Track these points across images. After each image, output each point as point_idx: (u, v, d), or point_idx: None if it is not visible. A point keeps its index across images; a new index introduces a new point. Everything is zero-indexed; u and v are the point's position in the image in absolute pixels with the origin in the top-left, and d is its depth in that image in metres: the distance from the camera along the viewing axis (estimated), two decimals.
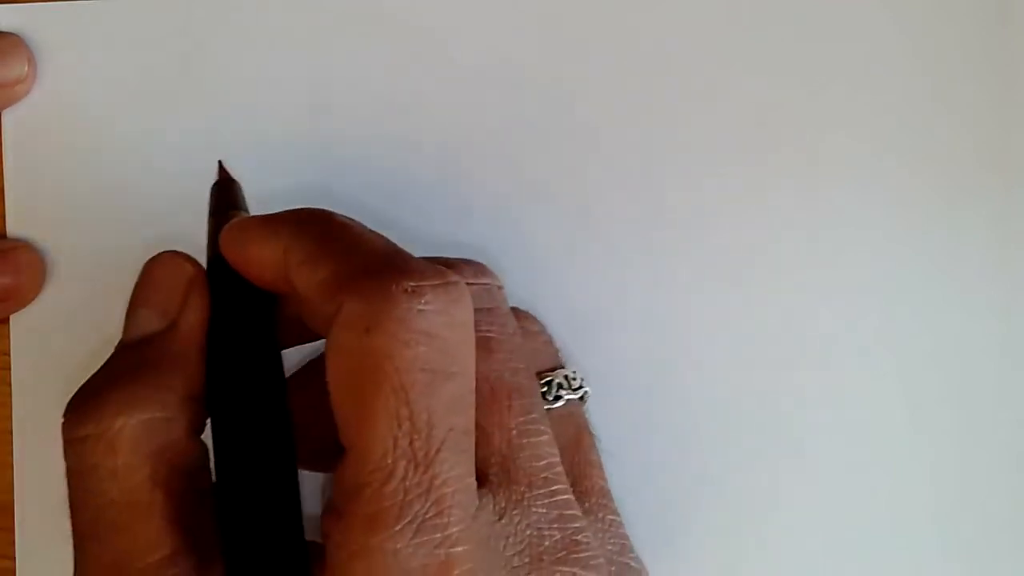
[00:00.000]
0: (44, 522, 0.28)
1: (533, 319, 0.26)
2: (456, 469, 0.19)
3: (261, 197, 0.25)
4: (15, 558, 0.28)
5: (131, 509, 0.20)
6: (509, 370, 0.22)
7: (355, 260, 0.20)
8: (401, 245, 0.22)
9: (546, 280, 0.28)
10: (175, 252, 0.23)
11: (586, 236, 0.29)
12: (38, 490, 0.28)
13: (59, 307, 0.29)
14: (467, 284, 0.21)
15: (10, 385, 0.29)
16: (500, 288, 0.24)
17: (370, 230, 0.22)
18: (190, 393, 0.22)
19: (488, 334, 0.23)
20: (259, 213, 0.23)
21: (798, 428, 0.28)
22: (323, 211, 0.22)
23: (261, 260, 0.22)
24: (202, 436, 0.22)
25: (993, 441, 0.28)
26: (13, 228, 0.29)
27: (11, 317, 0.29)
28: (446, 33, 0.29)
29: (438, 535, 0.19)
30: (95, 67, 0.29)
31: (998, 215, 0.29)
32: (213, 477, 0.22)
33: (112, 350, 0.23)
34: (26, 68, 0.28)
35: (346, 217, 0.22)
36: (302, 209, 0.22)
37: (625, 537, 0.24)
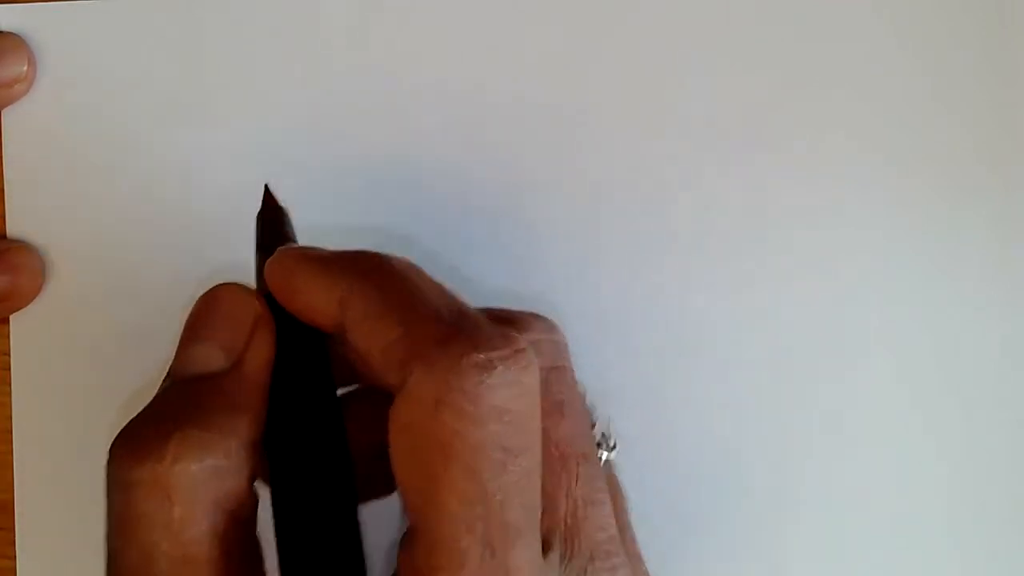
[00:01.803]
0: (44, 522, 0.28)
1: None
2: (528, 551, 0.19)
3: (259, 196, 0.25)
4: (15, 558, 0.28)
5: (185, 566, 0.19)
6: (579, 435, 0.22)
7: (422, 326, 0.19)
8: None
9: (550, 281, 0.28)
10: (239, 285, 0.22)
11: (589, 236, 0.29)
12: (38, 490, 0.28)
13: (59, 307, 0.29)
14: (536, 339, 0.21)
15: (10, 385, 0.29)
16: (566, 345, 0.23)
17: (429, 280, 0.21)
18: (254, 439, 0.20)
19: (560, 396, 0.22)
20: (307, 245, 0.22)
21: (799, 428, 0.28)
22: (381, 259, 0.21)
23: (313, 306, 0.21)
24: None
25: (994, 441, 0.28)
26: (13, 228, 0.29)
27: (11, 317, 0.29)
28: (447, 30, 0.29)
29: None
30: (95, 67, 0.29)
31: (998, 215, 0.29)
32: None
33: (157, 383, 0.21)
34: (26, 68, 0.28)
35: (404, 263, 0.21)
36: (359, 254, 0.21)
37: None
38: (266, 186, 0.24)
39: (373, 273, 0.20)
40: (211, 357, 0.21)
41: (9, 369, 0.29)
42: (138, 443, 0.19)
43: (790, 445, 0.28)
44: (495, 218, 0.27)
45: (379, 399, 0.19)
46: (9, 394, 0.29)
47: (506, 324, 0.20)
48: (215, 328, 0.21)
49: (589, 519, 0.21)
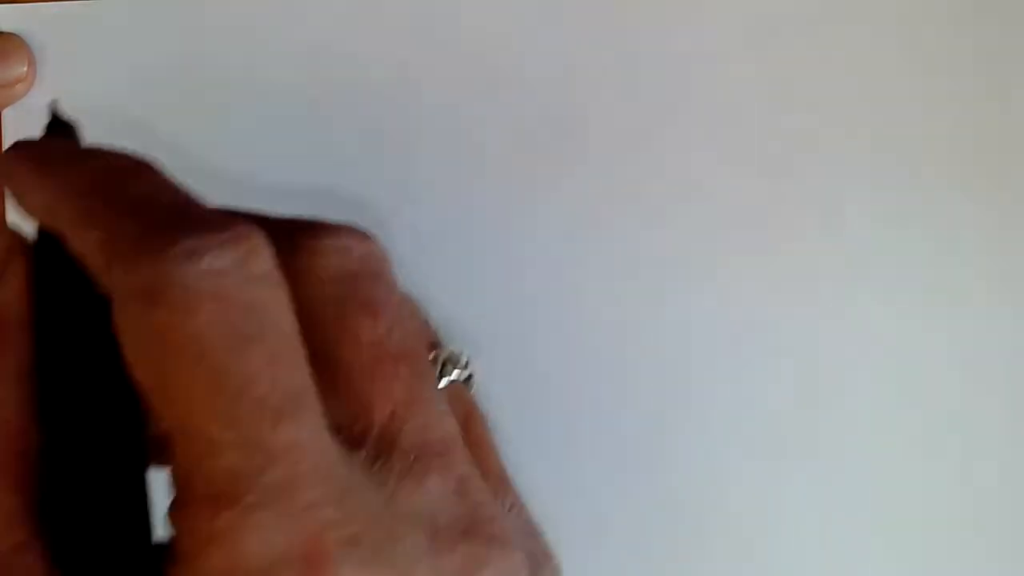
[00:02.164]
0: None
1: (411, 298, 0.24)
2: (301, 430, 0.17)
3: (259, 195, 0.25)
4: None
5: None
6: (397, 335, 0.20)
7: (127, 224, 0.18)
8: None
9: (543, 280, 0.28)
10: None
11: (586, 235, 0.29)
12: None
13: None
14: (343, 245, 0.20)
15: None
16: (385, 258, 0.22)
17: (153, 174, 0.19)
18: (19, 370, 0.19)
19: (372, 296, 0.20)
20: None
21: (799, 428, 0.28)
22: (96, 152, 0.20)
23: (31, 207, 0.19)
24: None
25: (994, 441, 0.28)
26: (14, 226, 0.29)
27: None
28: (447, 30, 0.29)
29: (298, 500, 0.17)
30: (95, 67, 0.29)
31: (998, 215, 0.29)
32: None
33: None
34: (26, 68, 0.28)
35: (127, 158, 0.20)
36: (74, 148, 0.20)
37: (532, 522, 0.22)
38: (53, 102, 0.22)
39: (79, 172, 0.19)
40: None
41: None
42: None
43: (789, 444, 0.28)
44: (494, 219, 0.27)
45: None
46: None
47: (308, 230, 0.20)
48: None
49: (415, 416, 0.20)
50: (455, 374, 0.23)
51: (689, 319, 0.28)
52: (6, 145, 0.29)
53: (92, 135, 0.29)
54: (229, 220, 0.18)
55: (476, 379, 0.24)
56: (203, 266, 0.17)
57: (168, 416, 0.17)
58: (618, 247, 0.29)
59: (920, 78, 0.29)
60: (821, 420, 0.28)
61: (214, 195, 0.28)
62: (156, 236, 0.17)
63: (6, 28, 0.29)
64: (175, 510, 0.17)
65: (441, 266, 0.28)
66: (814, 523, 0.28)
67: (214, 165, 0.29)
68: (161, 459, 0.20)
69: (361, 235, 0.21)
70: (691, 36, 0.29)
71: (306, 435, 0.17)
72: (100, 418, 0.19)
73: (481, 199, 0.27)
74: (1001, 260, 0.28)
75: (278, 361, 0.17)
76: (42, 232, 0.20)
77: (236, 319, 0.17)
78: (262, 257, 0.18)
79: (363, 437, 0.19)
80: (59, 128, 0.22)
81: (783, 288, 0.28)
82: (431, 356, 0.23)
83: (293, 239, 0.20)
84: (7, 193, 0.20)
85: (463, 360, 0.24)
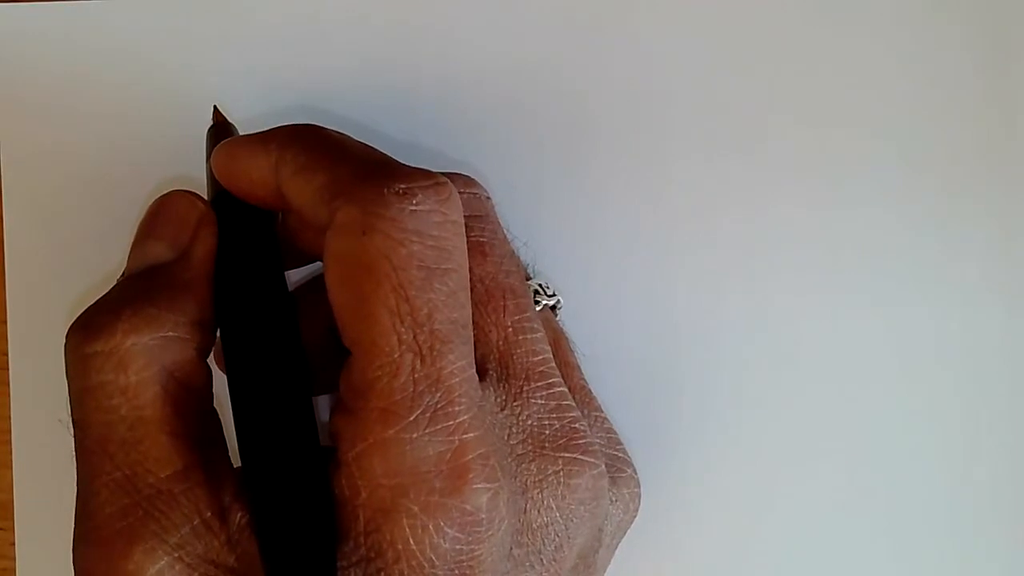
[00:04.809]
0: (44, 522, 0.28)
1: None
2: (460, 360, 0.20)
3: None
4: (15, 558, 0.28)
5: (142, 425, 0.20)
6: (503, 272, 0.23)
7: (346, 168, 0.21)
8: None
9: (548, 276, 0.28)
10: (183, 191, 0.24)
11: (586, 234, 0.29)
12: (38, 490, 0.28)
13: (59, 306, 0.29)
14: (458, 192, 0.22)
15: (9, 385, 0.29)
16: (489, 199, 0.25)
17: (359, 142, 0.22)
18: (201, 318, 0.22)
19: (481, 239, 0.23)
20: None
21: (799, 427, 0.28)
22: (311, 125, 0.23)
23: (251, 175, 0.22)
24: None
25: (995, 440, 0.28)
26: (12, 228, 0.29)
27: (11, 317, 0.29)
28: (446, 26, 0.29)
29: (451, 423, 0.19)
30: (94, 67, 0.29)
31: (999, 214, 0.28)
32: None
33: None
34: None
35: (335, 131, 0.23)
36: (288, 125, 0.23)
37: (612, 431, 0.25)
38: (215, 106, 0.26)
39: (300, 136, 0.22)
40: (160, 251, 0.23)
41: (8, 369, 0.29)
42: (92, 323, 0.21)
43: (789, 444, 0.28)
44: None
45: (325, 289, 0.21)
46: (8, 394, 0.29)
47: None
48: (163, 227, 0.23)
49: (521, 344, 0.23)
50: (543, 303, 0.26)
51: (690, 318, 0.29)
52: (5, 146, 0.29)
53: (92, 135, 0.29)
54: (430, 172, 0.21)
55: (561, 305, 0.27)
56: (412, 206, 0.20)
57: (357, 332, 0.20)
58: (619, 245, 0.29)
59: (920, 76, 0.28)
60: (821, 420, 0.28)
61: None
62: (374, 178, 0.20)
63: (6, 28, 0.29)
64: (343, 416, 0.20)
65: None
66: (814, 523, 0.28)
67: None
68: (326, 390, 0.23)
69: (466, 180, 0.24)
70: (693, 36, 0.29)
71: (463, 365, 0.20)
72: (272, 349, 0.21)
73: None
74: (1001, 260, 0.28)
75: (456, 298, 0.20)
76: (220, 204, 0.23)
77: (432, 256, 0.20)
78: (457, 205, 0.21)
79: (485, 360, 0.22)
80: (222, 126, 0.26)
81: (784, 286, 0.28)
82: (527, 285, 0.25)
83: None
84: (221, 164, 0.23)
85: (551, 290, 0.26)
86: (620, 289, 0.29)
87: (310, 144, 0.22)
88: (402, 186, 0.20)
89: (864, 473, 0.28)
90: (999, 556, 0.28)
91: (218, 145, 0.23)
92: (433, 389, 0.19)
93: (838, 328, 0.28)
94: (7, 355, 0.29)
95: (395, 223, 0.20)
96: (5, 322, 0.29)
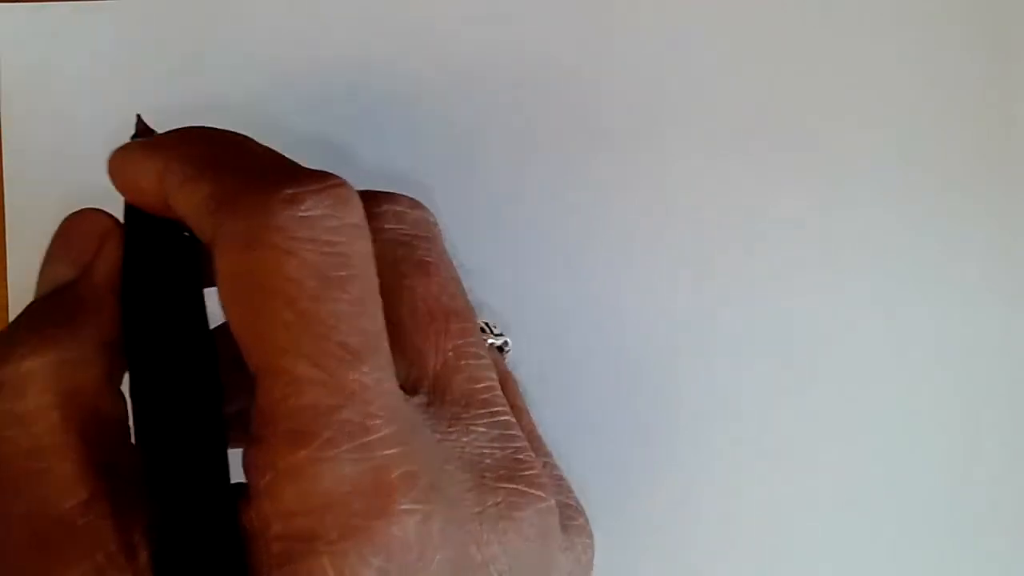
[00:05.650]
0: None
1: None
2: (376, 372, 0.18)
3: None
4: None
5: (41, 455, 0.19)
6: (447, 294, 0.22)
7: (230, 176, 0.19)
8: None
9: (542, 277, 0.28)
10: (88, 208, 0.22)
11: (586, 232, 0.29)
12: None
13: None
14: (399, 211, 0.21)
15: None
16: (436, 224, 0.23)
17: (257, 144, 0.21)
18: (103, 338, 0.20)
19: (426, 258, 0.22)
20: None
21: (798, 427, 0.28)
22: (205, 129, 0.21)
23: (139, 184, 0.21)
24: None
25: (996, 440, 0.28)
26: (13, 228, 0.29)
27: (10, 317, 0.29)
28: (448, 25, 0.29)
29: (369, 438, 0.18)
30: (95, 67, 0.29)
31: (999, 214, 0.29)
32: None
33: None
34: None
35: (232, 133, 0.21)
36: (180, 130, 0.21)
37: (563, 479, 0.23)
38: (138, 115, 0.25)
39: (186, 141, 0.21)
40: (62, 271, 0.22)
41: None
42: None
43: (789, 444, 0.28)
44: (496, 217, 0.27)
45: None
46: None
47: (365, 197, 0.20)
48: (65, 247, 0.22)
49: (462, 370, 0.21)
50: (489, 342, 0.25)
51: (688, 317, 0.29)
52: (6, 146, 0.29)
53: (92, 134, 0.29)
54: (324, 173, 0.19)
55: (508, 347, 0.26)
56: (301, 212, 0.18)
57: (257, 354, 0.18)
58: (618, 244, 0.29)
59: (920, 76, 0.29)
60: (821, 419, 0.28)
61: None
62: (258, 186, 0.19)
63: (6, 28, 0.29)
64: (254, 447, 0.18)
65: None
66: (814, 522, 0.28)
67: None
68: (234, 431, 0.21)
69: (413, 202, 0.23)
70: (692, 35, 0.29)
71: (379, 377, 0.18)
72: (182, 377, 0.20)
73: (482, 195, 0.27)
74: (1001, 260, 0.28)
75: (361, 306, 0.19)
76: (130, 217, 0.22)
77: (328, 264, 0.18)
78: (354, 207, 0.19)
79: (418, 384, 0.21)
80: (145, 134, 0.24)
81: (784, 285, 0.28)
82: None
83: None
84: (113, 171, 0.22)
85: (498, 329, 0.25)
86: (620, 289, 0.29)
87: (197, 151, 0.20)
88: (289, 191, 0.18)
89: (864, 473, 0.28)
90: (999, 556, 0.28)
91: (114, 151, 0.22)
92: (346, 404, 0.18)
93: (838, 328, 0.28)
94: None
95: (282, 232, 0.18)
96: (6, 322, 0.29)
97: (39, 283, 0.22)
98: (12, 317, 0.28)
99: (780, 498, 0.28)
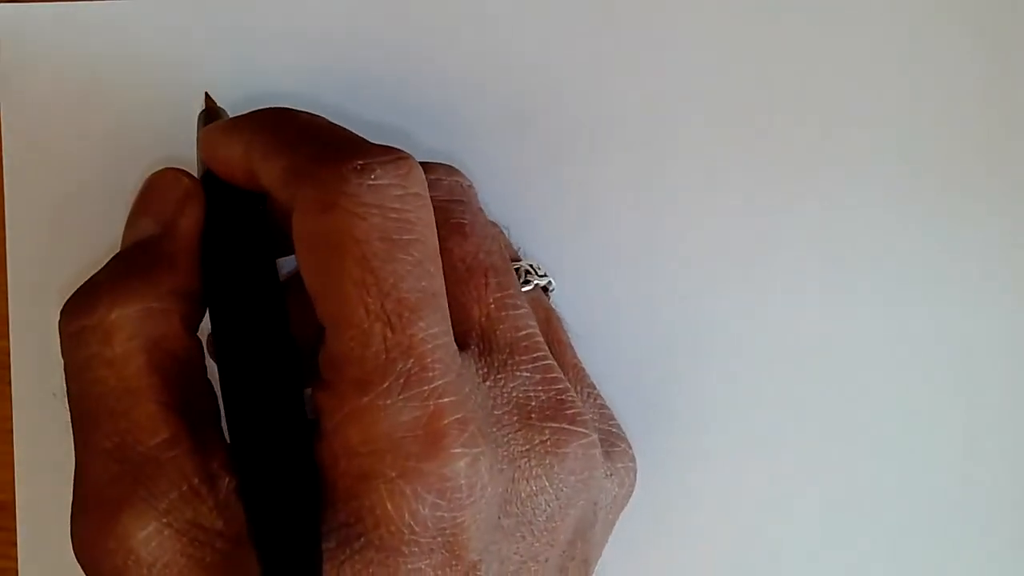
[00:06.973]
0: (44, 522, 0.28)
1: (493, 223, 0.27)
2: (433, 327, 0.20)
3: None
4: (16, 558, 0.28)
5: (129, 395, 0.21)
6: (484, 251, 0.23)
7: (306, 149, 0.21)
8: None
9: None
10: (170, 168, 0.24)
11: (586, 228, 0.29)
12: (38, 490, 0.28)
13: (59, 305, 0.29)
14: (435, 178, 0.23)
15: (10, 384, 0.29)
16: (471, 187, 0.25)
17: (328, 122, 0.23)
18: (184, 289, 0.22)
19: (462, 220, 0.24)
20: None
21: (798, 427, 0.28)
22: (281, 109, 0.23)
23: (228, 160, 0.23)
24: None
25: (997, 440, 0.28)
26: (13, 227, 0.29)
27: (11, 317, 0.29)
28: (446, 29, 0.29)
29: (425, 388, 0.20)
30: (95, 66, 0.29)
31: (999, 214, 0.28)
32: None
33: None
34: None
35: (306, 113, 0.23)
36: (261, 110, 0.23)
37: (606, 407, 0.25)
38: (206, 92, 0.27)
39: (266, 120, 0.23)
40: (146, 226, 0.24)
41: (9, 369, 0.29)
42: (77, 300, 0.22)
43: (789, 444, 0.28)
44: (496, 215, 0.27)
45: None
46: (9, 393, 0.29)
47: None
48: (149, 203, 0.24)
49: (504, 320, 0.23)
50: (534, 283, 0.26)
51: (688, 318, 0.29)
52: (6, 146, 0.29)
53: (92, 134, 0.29)
54: (391, 148, 0.21)
55: (552, 287, 0.27)
56: (370, 181, 0.20)
57: (327, 307, 0.20)
58: (618, 243, 0.29)
59: (920, 76, 0.28)
60: (821, 419, 0.28)
61: None
62: (332, 157, 0.21)
63: (6, 28, 0.29)
64: (321, 392, 0.21)
65: None
66: (813, 522, 0.28)
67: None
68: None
69: (448, 168, 0.25)
70: (692, 35, 0.29)
71: (435, 332, 0.20)
72: (261, 325, 0.22)
73: (482, 196, 0.27)
74: (1001, 260, 0.28)
75: (421, 267, 0.21)
76: (208, 183, 0.24)
77: (393, 228, 0.20)
78: (418, 178, 0.21)
79: (467, 337, 0.22)
80: (212, 110, 0.27)
81: (786, 286, 0.28)
82: (517, 267, 0.26)
83: None
84: (204, 150, 0.24)
85: (542, 271, 0.26)
86: (619, 288, 0.29)
87: (276, 128, 0.22)
88: (360, 162, 0.20)
89: (863, 472, 0.28)
90: (999, 556, 0.28)
91: (203, 130, 0.24)
92: (405, 356, 0.20)
93: (838, 328, 0.28)
94: (8, 355, 0.29)
95: (354, 198, 0.20)
96: (7, 322, 0.29)
97: (125, 235, 0.24)
98: (12, 317, 0.29)
99: (780, 498, 0.28)
